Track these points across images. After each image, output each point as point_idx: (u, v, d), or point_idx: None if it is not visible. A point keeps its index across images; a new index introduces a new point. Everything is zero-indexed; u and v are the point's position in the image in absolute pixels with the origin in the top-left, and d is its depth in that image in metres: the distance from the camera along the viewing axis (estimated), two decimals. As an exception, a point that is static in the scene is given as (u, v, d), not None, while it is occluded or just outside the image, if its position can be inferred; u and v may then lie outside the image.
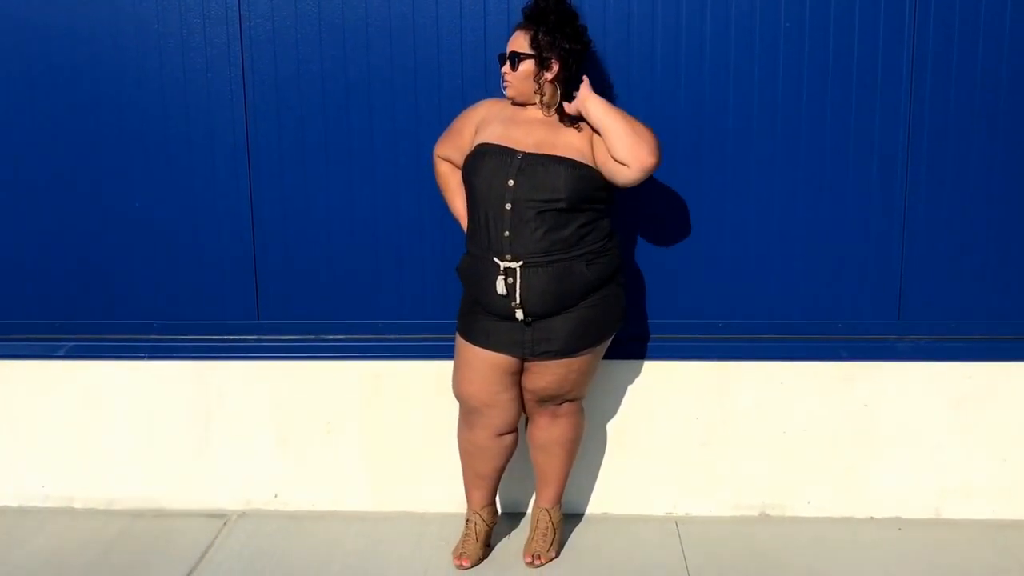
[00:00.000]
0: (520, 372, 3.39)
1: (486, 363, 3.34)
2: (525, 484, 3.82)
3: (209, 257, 3.81)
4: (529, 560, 3.53)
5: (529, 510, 3.84)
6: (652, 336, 3.78)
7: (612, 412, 3.84)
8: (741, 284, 3.75)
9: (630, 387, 3.82)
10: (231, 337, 3.85)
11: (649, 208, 3.72)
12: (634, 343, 3.77)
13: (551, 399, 3.44)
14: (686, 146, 3.67)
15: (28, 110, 3.77)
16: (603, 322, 3.36)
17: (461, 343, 3.39)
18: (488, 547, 3.61)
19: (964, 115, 3.63)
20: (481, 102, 3.46)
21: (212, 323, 3.84)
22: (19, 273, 3.87)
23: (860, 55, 3.60)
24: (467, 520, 3.59)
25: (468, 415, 3.45)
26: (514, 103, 3.34)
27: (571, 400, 3.48)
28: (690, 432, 3.83)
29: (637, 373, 3.80)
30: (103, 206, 3.80)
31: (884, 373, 3.76)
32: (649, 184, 3.64)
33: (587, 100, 3.22)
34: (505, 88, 3.32)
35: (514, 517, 3.85)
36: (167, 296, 3.84)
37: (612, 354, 3.72)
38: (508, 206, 3.21)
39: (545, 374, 3.37)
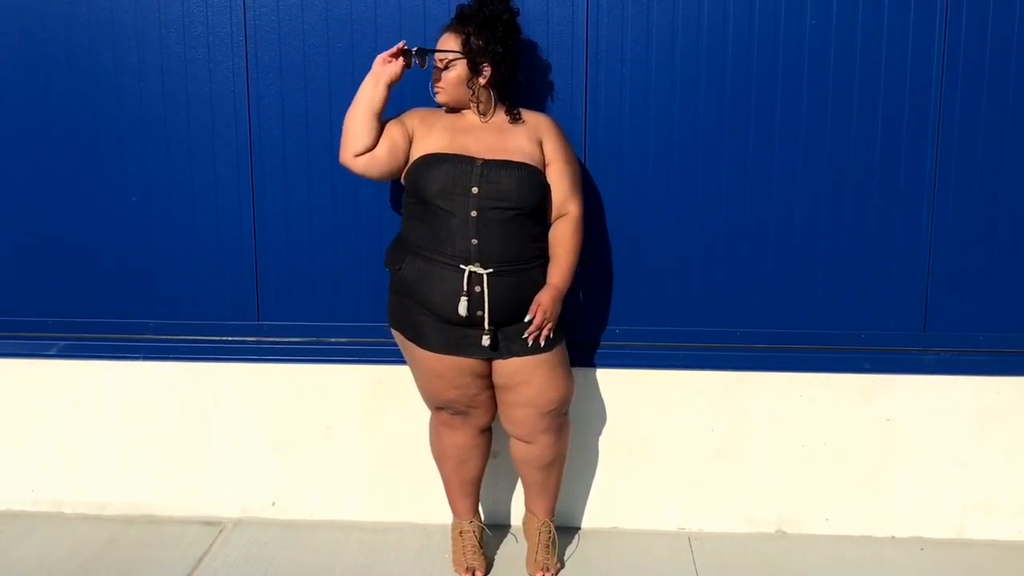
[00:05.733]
0: (489, 370, 3.33)
1: (459, 370, 3.29)
2: (507, 495, 3.78)
3: (208, 255, 3.73)
4: (541, 574, 3.47)
5: (513, 522, 3.79)
6: (667, 344, 3.69)
7: (624, 423, 3.74)
8: (760, 291, 3.65)
9: (643, 397, 3.72)
10: (229, 338, 3.77)
11: (663, 211, 3.62)
12: (648, 351, 3.69)
13: (556, 409, 3.36)
14: (706, 149, 3.58)
15: (20, 100, 3.68)
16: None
17: (423, 354, 3.31)
18: (486, 556, 3.54)
19: (995, 121, 3.53)
20: (412, 110, 3.38)
21: (210, 323, 3.77)
22: (9, 268, 3.79)
23: (888, 57, 3.50)
24: (460, 532, 3.55)
25: (451, 419, 3.42)
26: (448, 110, 3.33)
27: (566, 406, 3.43)
28: (705, 444, 3.74)
29: (651, 382, 3.71)
30: (98, 200, 3.72)
31: (908, 386, 3.66)
32: (663, 186, 3.62)
33: (555, 301, 3.24)
34: (436, 94, 3.29)
35: (497, 529, 3.79)
36: (164, 295, 3.76)
37: (626, 363, 3.66)
38: (474, 213, 3.17)
39: (534, 379, 3.28)
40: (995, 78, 3.50)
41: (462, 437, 3.44)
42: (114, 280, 3.76)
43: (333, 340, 3.74)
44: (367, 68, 3.51)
